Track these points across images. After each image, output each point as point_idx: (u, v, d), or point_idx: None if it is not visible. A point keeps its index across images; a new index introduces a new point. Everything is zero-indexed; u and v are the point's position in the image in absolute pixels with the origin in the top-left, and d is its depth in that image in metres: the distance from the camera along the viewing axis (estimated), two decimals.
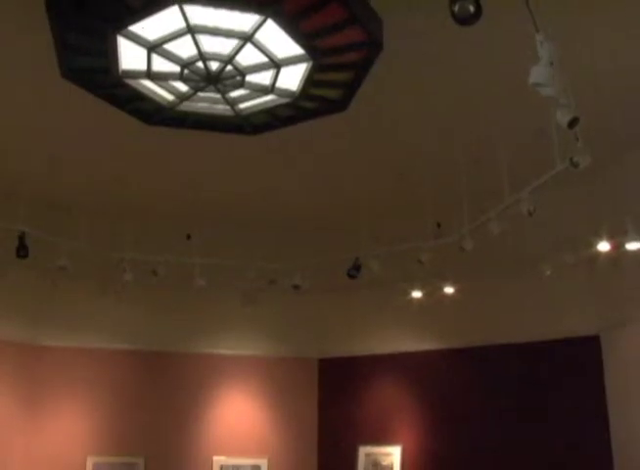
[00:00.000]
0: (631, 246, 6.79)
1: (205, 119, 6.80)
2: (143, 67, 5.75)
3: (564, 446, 8.22)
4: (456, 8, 4.15)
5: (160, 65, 5.73)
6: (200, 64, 5.61)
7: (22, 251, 7.73)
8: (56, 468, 9.09)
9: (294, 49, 5.42)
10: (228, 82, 5.95)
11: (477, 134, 7.29)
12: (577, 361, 8.41)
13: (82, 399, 9.47)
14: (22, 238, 7.73)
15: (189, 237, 9.30)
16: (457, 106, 6.78)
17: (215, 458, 9.61)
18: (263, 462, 9.70)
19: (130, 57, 5.62)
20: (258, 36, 5.14)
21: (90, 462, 9.23)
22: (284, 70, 5.79)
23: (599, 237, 7.10)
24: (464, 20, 4.16)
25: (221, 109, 6.56)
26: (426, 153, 7.81)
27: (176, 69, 5.73)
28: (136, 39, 5.21)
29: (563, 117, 4.32)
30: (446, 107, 6.80)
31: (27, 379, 9.29)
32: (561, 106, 4.32)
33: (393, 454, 9.43)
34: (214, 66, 5.66)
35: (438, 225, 8.63)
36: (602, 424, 8.02)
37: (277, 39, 5.19)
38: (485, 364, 9.08)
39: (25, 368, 9.28)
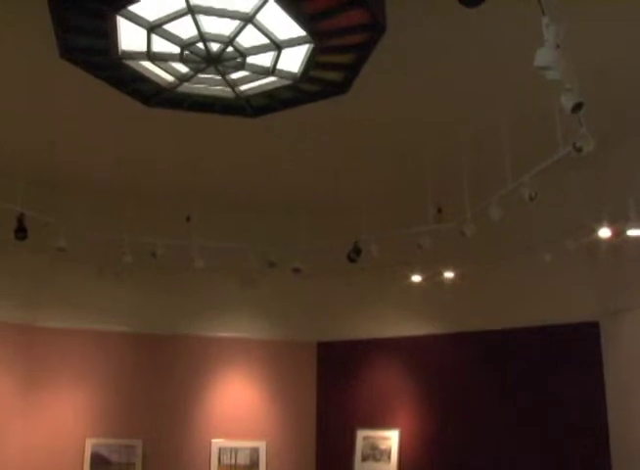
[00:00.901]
0: (633, 232, 6.76)
1: (206, 101, 6.75)
2: (143, 47, 5.69)
3: (562, 430, 8.24)
4: None
5: (160, 45, 5.67)
6: (200, 45, 5.56)
7: (20, 232, 7.68)
8: (54, 450, 9.12)
9: (295, 31, 5.36)
10: (229, 64, 5.89)
11: (479, 118, 7.23)
12: (577, 347, 8.41)
13: (81, 382, 9.48)
14: (20, 219, 7.68)
15: (188, 219, 9.27)
16: (459, 90, 6.72)
17: (214, 441, 9.63)
18: (262, 445, 9.73)
19: (130, 37, 5.56)
20: (260, 17, 5.09)
21: (89, 444, 9.25)
22: (285, 52, 5.73)
23: (600, 223, 7.07)
24: (470, 1, 4.10)
25: (221, 90, 6.51)
26: (427, 137, 7.76)
27: (176, 50, 5.67)
28: (136, 19, 5.16)
29: (567, 102, 4.26)
30: (448, 91, 6.74)
31: (25, 361, 9.29)
32: (565, 90, 4.27)
33: (391, 438, 9.46)
34: (215, 47, 5.60)
35: (439, 210, 8.61)
36: (600, 409, 8.03)
37: (278, 21, 5.13)
38: (485, 349, 9.09)
39: (23, 350, 9.28)
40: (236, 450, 9.66)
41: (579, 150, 5.20)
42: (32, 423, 9.17)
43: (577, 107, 4.28)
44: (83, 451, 9.19)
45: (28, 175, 8.12)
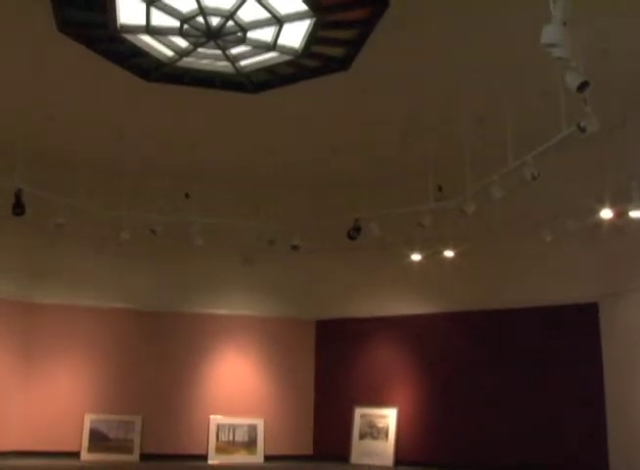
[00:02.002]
0: (635, 214, 6.72)
1: (205, 76, 6.69)
2: (142, 21, 5.62)
3: (561, 408, 8.25)
4: None
5: (160, 19, 5.60)
6: (200, 19, 5.49)
7: (18, 208, 7.65)
8: (54, 425, 9.14)
9: (297, 5, 5.29)
10: (229, 38, 5.82)
11: (481, 97, 7.15)
12: (576, 328, 8.39)
13: (80, 358, 9.49)
14: (18, 195, 7.63)
15: (187, 196, 9.23)
16: (462, 67, 6.62)
17: (212, 418, 9.66)
18: (260, 422, 9.76)
19: (129, 11, 5.49)
20: None
21: (87, 420, 9.28)
22: (286, 27, 5.66)
23: (602, 204, 7.03)
24: None
25: (222, 66, 6.44)
26: (429, 114, 7.68)
27: (176, 23, 5.61)
28: None
29: (572, 81, 4.21)
30: (451, 68, 6.64)
31: (24, 337, 9.29)
32: (570, 69, 4.21)
33: (389, 416, 9.48)
34: (215, 21, 5.53)
35: (440, 188, 8.56)
36: (597, 388, 8.04)
37: None
38: (484, 329, 9.08)
39: (22, 326, 9.27)
40: (234, 427, 9.70)
41: (583, 130, 5.15)
42: (31, 399, 9.19)
43: (583, 86, 4.23)
44: (82, 427, 9.22)
45: (27, 151, 8.05)
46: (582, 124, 5.13)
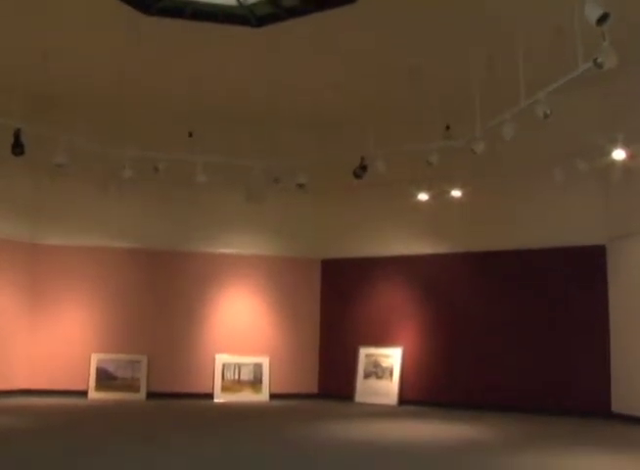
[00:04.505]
0: None
1: (208, 10, 6.46)
2: None
3: (567, 347, 8.27)
4: None
5: None
6: None
7: (17, 148, 7.50)
8: (61, 365, 9.22)
9: None
10: None
11: (492, 34, 6.89)
12: (583, 270, 8.35)
13: (86, 299, 9.50)
14: (17, 135, 7.47)
15: (190, 135, 9.06)
16: (473, 1, 6.36)
17: (218, 356, 9.71)
18: (265, 361, 9.81)
19: None
20: None
21: (94, 359, 9.35)
22: None
23: (615, 144, 6.86)
24: None
25: None
26: (438, 51, 7.43)
27: None
28: None
29: (592, 13, 4.01)
30: (461, 3, 6.38)
31: (30, 278, 9.30)
32: (589, 0, 4.01)
33: (394, 356, 9.52)
34: None
35: (447, 127, 8.39)
36: (603, 330, 8.04)
37: None
38: (490, 269, 9.03)
39: (27, 267, 9.27)
40: (239, 366, 9.75)
41: (600, 66, 4.94)
42: (38, 338, 9.25)
43: (603, 18, 4.03)
44: (89, 366, 9.29)
45: (25, 90, 7.87)
46: (599, 60, 4.92)
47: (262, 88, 8.55)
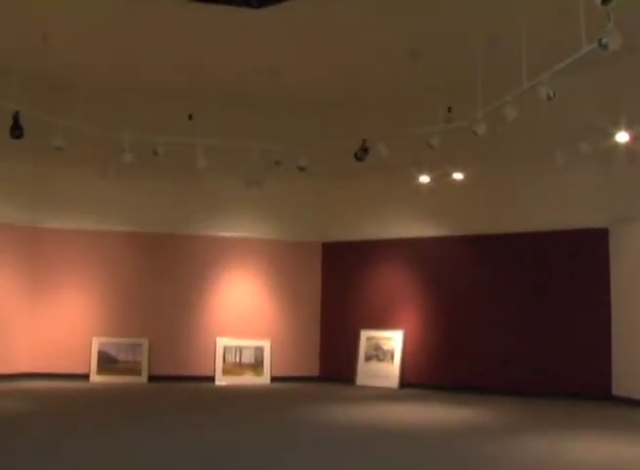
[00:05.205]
0: None
1: None
2: None
3: (570, 329, 8.27)
4: None
5: None
6: None
7: (16, 131, 7.45)
8: (63, 348, 9.23)
9: None
10: None
11: (495, 14, 6.81)
12: (585, 253, 8.33)
13: (86, 282, 9.50)
14: (16, 117, 7.42)
15: (190, 117, 9.00)
16: None
17: (219, 340, 9.72)
18: (266, 344, 9.82)
19: None
20: None
21: (96, 343, 9.36)
22: None
23: (618, 127, 6.80)
24: None
25: None
26: (440, 33, 7.35)
27: None
28: None
29: None
30: None
31: (30, 262, 9.29)
32: None
33: (395, 339, 9.52)
34: None
35: (449, 110, 8.33)
36: (605, 313, 8.04)
37: None
38: (492, 252, 9.00)
39: (28, 251, 9.26)
40: (241, 349, 9.76)
41: (605, 46, 4.88)
42: (39, 322, 9.25)
43: None
44: (90, 350, 9.31)
45: (24, 72, 7.80)
46: (604, 41, 4.86)
47: (263, 70, 8.47)
